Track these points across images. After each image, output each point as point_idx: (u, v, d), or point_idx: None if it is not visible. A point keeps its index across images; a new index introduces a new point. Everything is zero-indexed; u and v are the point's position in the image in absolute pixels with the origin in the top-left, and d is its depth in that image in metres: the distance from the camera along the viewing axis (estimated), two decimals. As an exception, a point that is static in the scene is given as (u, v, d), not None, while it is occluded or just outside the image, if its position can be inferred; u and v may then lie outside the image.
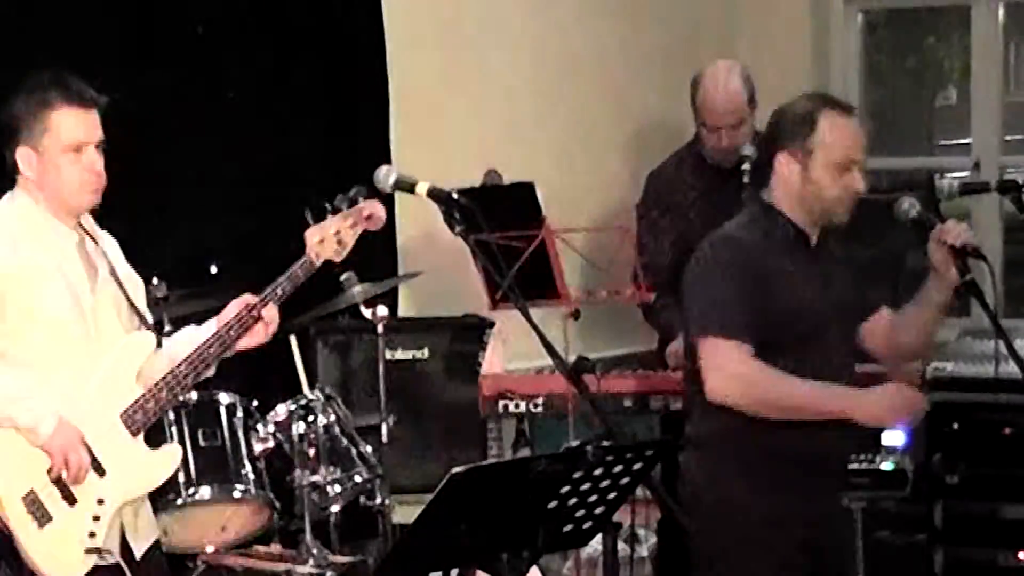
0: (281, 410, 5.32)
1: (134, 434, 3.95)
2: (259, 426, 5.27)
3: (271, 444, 5.27)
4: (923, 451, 5.95)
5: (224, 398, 5.14)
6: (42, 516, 3.82)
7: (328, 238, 4.10)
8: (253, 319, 4.03)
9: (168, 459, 4.09)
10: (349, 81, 6.35)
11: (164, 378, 3.97)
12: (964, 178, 7.40)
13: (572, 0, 7.13)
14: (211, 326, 4.06)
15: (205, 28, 5.88)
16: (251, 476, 5.15)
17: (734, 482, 4.11)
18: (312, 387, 5.52)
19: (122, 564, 3.90)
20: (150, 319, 4.13)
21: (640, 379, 5.80)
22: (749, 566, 4.06)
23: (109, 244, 4.09)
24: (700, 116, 5.61)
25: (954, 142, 8.16)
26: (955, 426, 6.03)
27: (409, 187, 3.85)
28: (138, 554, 4.04)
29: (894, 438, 5.82)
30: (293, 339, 5.62)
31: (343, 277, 5.37)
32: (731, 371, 3.97)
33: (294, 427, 5.28)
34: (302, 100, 6.23)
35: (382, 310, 5.46)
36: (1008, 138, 7.59)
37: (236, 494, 5.12)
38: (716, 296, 4.02)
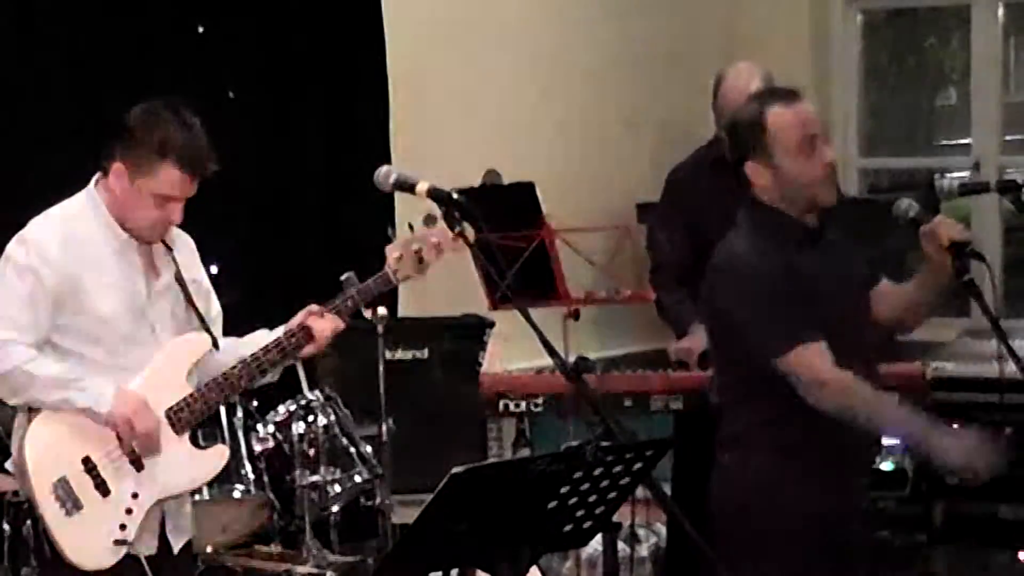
0: (281, 410, 5.32)
1: (178, 432, 3.96)
2: (259, 426, 5.27)
3: (271, 444, 5.27)
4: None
5: (224, 398, 5.13)
6: (72, 504, 3.84)
7: (408, 254, 4.00)
8: (309, 332, 4.00)
9: (213, 459, 4.08)
10: (349, 81, 6.35)
11: (216, 379, 3.97)
12: (964, 178, 7.40)
13: (572, 1, 7.14)
14: (279, 332, 4.04)
15: (205, 28, 5.89)
16: (251, 476, 5.15)
17: (765, 475, 4.13)
18: (312, 387, 5.51)
19: (143, 561, 3.90)
20: (213, 323, 4.11)
21: (640, 379, 5.80)
22: (778, 557, 4.08)
23: (182, 246, 4.10)
24: (720, 117, 5.58)
25: (954, 142, 8.16)
26: (955, 426, 6.03)
27: (409, 187, 3.84)
28: (176, 548, 4.07)
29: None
30: (293, 339, 5.62)
31: (343, 277, 5.35)
32: (818, 376, 3.96)
33: (294, 427, 5.28)
34: (302, 100, 6.23)
35: (382, 310, 5.46)
36: (1008, 138, 7.59)
37: (236, 494, 5.12)
38: (775, 315, 3.99)
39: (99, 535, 3.87)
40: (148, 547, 3.96)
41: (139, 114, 3.89)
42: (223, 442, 4.95)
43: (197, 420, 3.99)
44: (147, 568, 3.89)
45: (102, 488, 3.87)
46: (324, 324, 4.02)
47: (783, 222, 4.09)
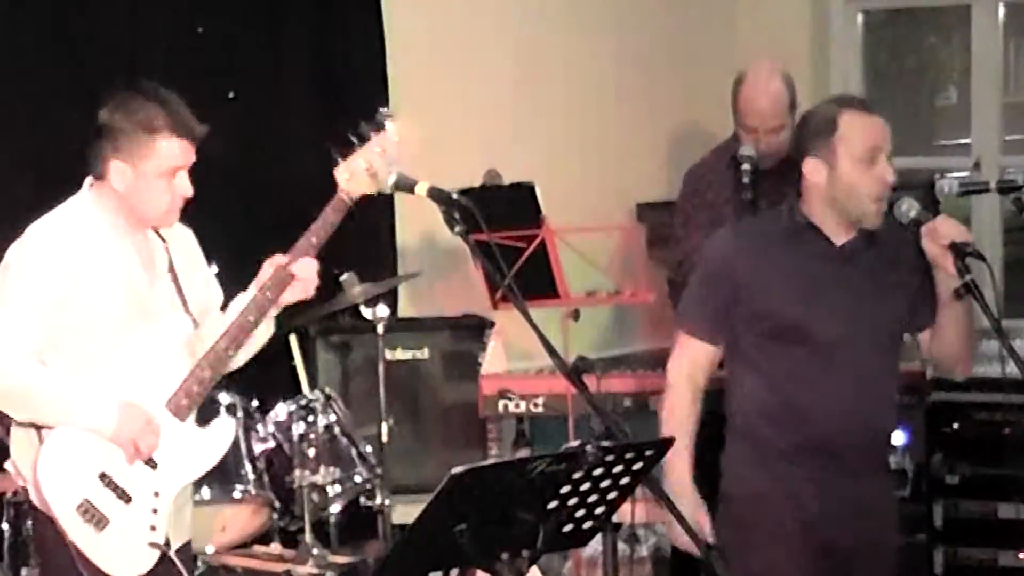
0: (281, 410, 5.32)
1: (182, 419, 3.95)
2: (259, 426, 5.27)
3: (271, 444, 5.27)
4: (923, 451, 5.95)
5: (224, 398, 5.13)
6: (99, 522, 3.83)
7: (358, 172, 3.99)
8: (289, 276, 4.00)
9: (221, 434, 4.06)
10: (349, 81, 6.35)
11: (205, 356, 3.97)
12: (964, 178, 7.39)
13: (571, 1, 7.14)
14: (252, 291, 4.04)
15: (205, 28, 5.88)
16: (251, 476, 5.15)
17: (740, 465, 4.17)
18: (312, 387, 5.52)
19: (172, 556, 3.92)
20: (207, 307, 4.10)
21: (640, 379, 5.80)
22: (760, 548, 4.11)
23: (178, 237, 4.09)
24: (739, 117, 5.55)
25: (954, 142, 8.16)
26: (955, 426, 6.03)
27: (409, 187, 3.84)
28: (175, 546, 4.05)
29: (894, 438, 5.84)
30: (293, 339, 5.63)
31: (343, 277, 5.37)
32: (669, 365, 4.27)
33: (294, 427, 5.28)
34: (302, 100, 6.23)
35: (382, 310, 5.46)
36: (1008, 138, 7.58)
37: (236, 494, 5.12)
38: (690, 297, 4.31)
39: (133, 542, 3.88)
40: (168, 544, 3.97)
41: (113, 109, 3.90)
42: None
43: (197, 402, 3.98)
44: (178, 564, 3.91)
45: (124, 497, 3.87)
46: (305, 269, 4.01)
47: (801, 222, 4.11)
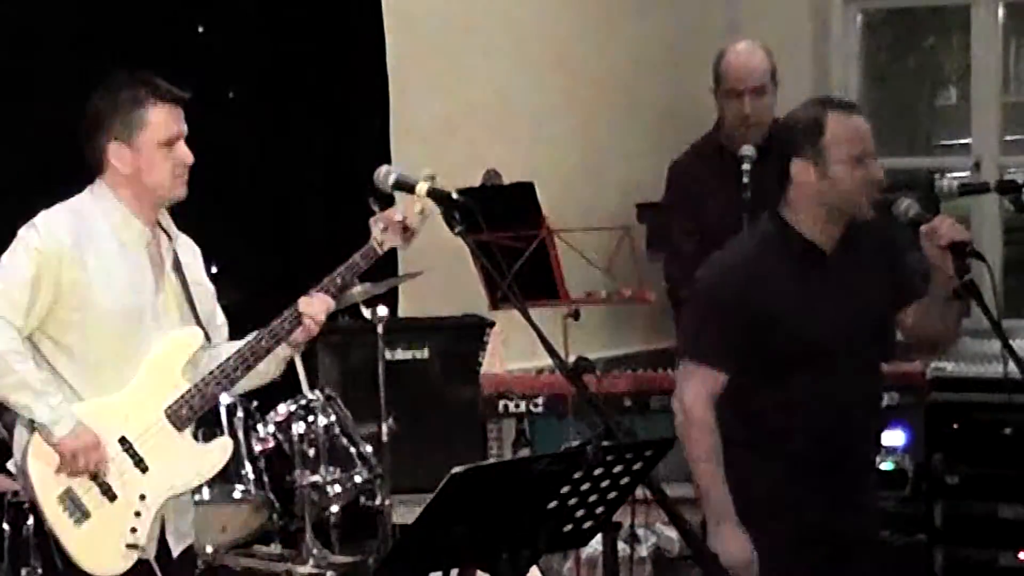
0: (281, 410, 5.32)
1: (179, 429, 3.96)
2: (259, 426, 5.27)
3: (271, 444, 5.27)
4: (923, 451, 5.96)
5: (224, 398, 5.12)
6: (80, 514, 3.84)
7: (393, 225, 4.02)
8: (299, 315, 4.01)
9: (217, 453, 4.08)
10: (349, 81, 6.35)
11: (212, 372, 3.97)
12: (964, 178, 7.40)
13: (572, 3, 7.14)
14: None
15: (205, 28, 5.89)
16: (251, 476, 5.15)
17: (738, 467, 4.15)
18: (312, 387, 5.51)
19: (152, 563, 3.91)
20: (218, 330, 4.13)
21: (640, 379, 5.81)
22: (764, 554, 4.11)
23: (185, 246, 4.11)
24: (722, 85, 5.53)
25: (954, 142, 8.17)
26: (955, 426, 6.04)
27: (409, 187, 3.84)
28: (175, 552, 4.06)
29: (894, 438, 5.85)
30: (293, 339, 5.62)
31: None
32: (685, 398, 4.15)
33: (294, 427, 5.28)
34: (302, 100, 6.23)
35: (382, 310, 5.46)
36: (1008, 138, 7.60)
37: (236, 494, 5.12)
38: (700, 327, 4.19)
39: (110, 541, 3.87)
40: (147, 551, 3.96)
41: (97, 100, 3.96)
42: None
43: (197, 415, 3.99)
44: (156, 569, 3.90)
45: (109, 494, 3.87)
46: (315, 305, 4.02)
47: (794, 240, 4.10)
